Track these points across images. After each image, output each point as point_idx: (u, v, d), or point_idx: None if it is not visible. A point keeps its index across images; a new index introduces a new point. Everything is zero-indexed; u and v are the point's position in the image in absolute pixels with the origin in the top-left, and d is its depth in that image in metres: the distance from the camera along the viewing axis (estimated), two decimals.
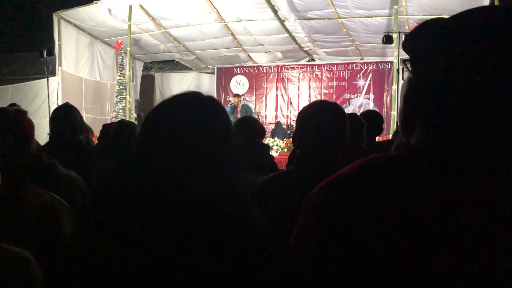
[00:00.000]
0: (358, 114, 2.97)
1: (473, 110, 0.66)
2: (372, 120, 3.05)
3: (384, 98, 11.69)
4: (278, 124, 11.31)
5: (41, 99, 9.71)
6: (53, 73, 9.37)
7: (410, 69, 0.73)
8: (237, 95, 10.83)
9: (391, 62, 10.64)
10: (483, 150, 0.67)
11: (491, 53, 0.64)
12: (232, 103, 10.77)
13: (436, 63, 0.68)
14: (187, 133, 0.92)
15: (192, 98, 0.99)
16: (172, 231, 0.86)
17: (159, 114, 0.97)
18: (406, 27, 9.03)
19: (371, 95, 11.88)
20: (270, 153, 3.29)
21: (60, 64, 9.68)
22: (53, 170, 1.68)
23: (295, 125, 1.76)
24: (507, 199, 0.64)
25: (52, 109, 7.62)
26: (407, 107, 0.76)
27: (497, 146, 0.67)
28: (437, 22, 0.72)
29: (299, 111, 1.72)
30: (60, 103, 8.28)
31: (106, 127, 3.59)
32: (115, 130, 2.97)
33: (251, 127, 2.61)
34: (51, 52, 8.87)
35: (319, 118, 1.59)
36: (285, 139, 8.85)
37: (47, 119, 8.23)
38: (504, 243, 0.61)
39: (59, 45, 9.72)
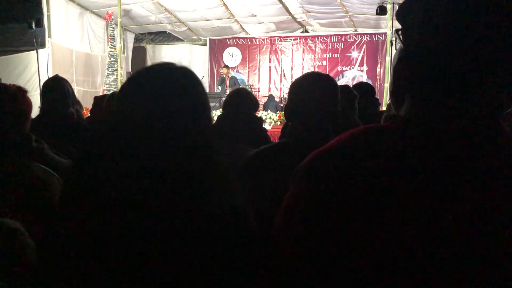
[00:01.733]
0: (351, 86, 2.96)
1: (461, 81, 0.66)
2: (365, 92, 3.04)
3: (378, 70, 11.65)
4: (270, 97, 11.26)
5: (31, 72, 9.55)
6: (42, 45, 9.21)
7: (401, 39, 0.73)
8: (226, 67, 10.70)
9: (385, 34, 10.55)
10: (472, 121, 0.67)
11: (482, 23, 0.63)
12: (221, 74, 10.67)
13: (427, 32, 0.68)
14: (165, 104, 0.92)
15: (168, 69, 0.99)
16: (148, 205, 0.86)
17: (135, 86, 0.97)
18: None
19: (365, 67, 11.83)
20: (263, 126, 3.29)
21: (49, 36, 9.50)
22: (41, 155, 1.66)
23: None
24: (497, 169, 0.65)
25: (42, 81, 7.52)
26: (397, 77, 0.76)
27: (486, 118, 0.68)
28: None
29: (291, 83, 1.71)
30: (50, 75, 8.16)
31: (97, 100, 3.56)
32: (108, 103, 2.94)
33: (245, 99, 2.60)
34: (39, 23, 8.67)
35: (311, 90, 1.59)
36: (277, 112, 8.83)
37: (38, 92, 8.13)
38: (495, 213, 0.63)
39: (48, 16, 9.50)
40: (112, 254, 0.84)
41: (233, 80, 10.35)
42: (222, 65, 11.79)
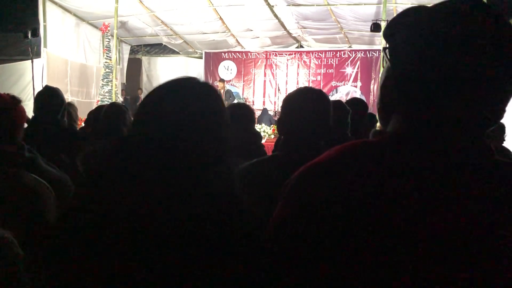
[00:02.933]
0: (344, 101, 2.99)
1: (445, 101, 0.68)
2: (357, 107, 3.06)
3: (371, 86, 11.74)
4: (264, 110, 11.31)
5: (26, 81, 9.52)
6: (37, 55, 9.20)
7: (388, 57, 0.75)
8: (222, 80, 10.80)
9: (379, 50, 10.67)
10: (457, 138, 0.69)
11: (466, 46, 0.66)
12: (217, 88, 10.75)
13: (411, 52, 0.70)
14: (185, 119, 0.93)
15: (191, 84, 1.00)
16: (164, 217, 0.86)
17: (157, 98, 0.98)
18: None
19: (359, 83, 11.92)
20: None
21: (45, 46, 9.50)
22: (33, 165, 1.66)
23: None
24: (480, 185, 0.66)
25: (37, 91, 7.49)
26: (384, 95, 0.78)
27: (470, 135, 0.69)
28: (416, 11, 0.73)
29: (284, 97, 1.73)
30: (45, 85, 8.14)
31: (91, 114, 3.58)
32: (107, 113, 2.92)
33: (245, 113, 2.59)
34: (35, 33, 8.68)
35: (304, 105, 1.61)
36: (271, 125, 8.86)
37: (32, 101, 8.11)
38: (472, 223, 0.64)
39: (44, 26, 9.51)
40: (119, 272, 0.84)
41: (229, 93, 10.47)
42: (218, 79, 11.85)
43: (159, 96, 0.99)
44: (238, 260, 0.87)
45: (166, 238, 0.85)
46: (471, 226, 0.63)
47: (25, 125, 2.02)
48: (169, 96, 0.97)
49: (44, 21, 9.54)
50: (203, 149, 0.94)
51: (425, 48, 0.68)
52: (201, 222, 0.87)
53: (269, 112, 11.34)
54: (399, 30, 0.73)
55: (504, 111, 0.70)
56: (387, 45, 0.75)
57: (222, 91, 10.48)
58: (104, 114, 2.93)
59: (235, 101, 10.31)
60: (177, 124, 0.93)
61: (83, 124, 4.50)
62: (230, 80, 12.72)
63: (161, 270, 0.84)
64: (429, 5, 0.75)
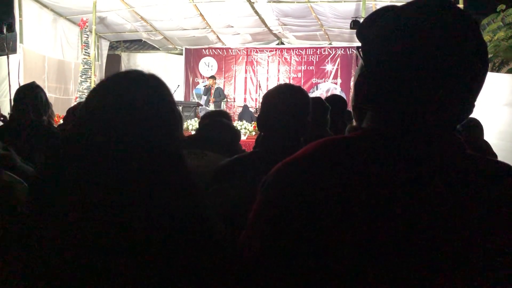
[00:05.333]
0: (324, 98, 3.01)
1: (416, 96, 0.70)
2: (337, 104, 3.10)
3: (351, 83, 11.81)
4: (245, 107, 11.32)
5: (1, 77, 9.33)
6: (13, 50, 9.00)
7: (361, 55, 0.77)
8: (212, 77, 10.84)
9: None
10: (427, 133, 0.71)
11: (433, 44, 0.68)
12: (206, 85, 10.81)
13: (383, 50, 0.72)
14: (131, 113, 0.88)
15: (136, 77, 0.95)
16: (112, 218, 0.84)
17: (99, 93, 0.94)
18: None
19: (339, 80, 12.02)
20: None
21: (21, 41, 9.31)
22: (7, 161, 1.62)
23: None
24: (452, 178, 0.68)
25: (13, 87, 7.34)
26: (358, 92, 0.80)
27: (441, 130, 0.71)
28: (387, 10, 0.75)
29: (264, 94, 1.74)
30: (21, 82, 8.01)
31: (70, 111, 3.53)
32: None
33: (227, 114, 2.60)
34: (11, 28, 8.49)
35: (283, 101, 1.62)
36: (252, 122, 8.88)
37: (8, 98, 7.95)
38: (448, 223, 0.66)
39: (20, 21, 9.32)
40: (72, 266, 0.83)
41: (218, 91, 10.56)
42: (199, 75, 11.81)
43: (101, 90, 0.93)
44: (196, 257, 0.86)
45: (122, 245, 0.82)
46: (442, 218, 0.66)
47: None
48: (113, 89, 0.92)
49: (20, 16, 9.34)
50: (150, 142, 0.88)
51: (396, 45, 0.70)
52: (157, 224, 0.85)
53: (250, 109, 11.35)
54: (372, 28, 0.75)
55: (473, 105, 0.72)
56: (361, 44, 0.77)
57: (212, 88, 10.53)
58: (79, 112, 2.89)
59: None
60: (119, 117, 0.87)
61: (61, 121, 4.44)
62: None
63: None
64: (397, 4, 0.77)
